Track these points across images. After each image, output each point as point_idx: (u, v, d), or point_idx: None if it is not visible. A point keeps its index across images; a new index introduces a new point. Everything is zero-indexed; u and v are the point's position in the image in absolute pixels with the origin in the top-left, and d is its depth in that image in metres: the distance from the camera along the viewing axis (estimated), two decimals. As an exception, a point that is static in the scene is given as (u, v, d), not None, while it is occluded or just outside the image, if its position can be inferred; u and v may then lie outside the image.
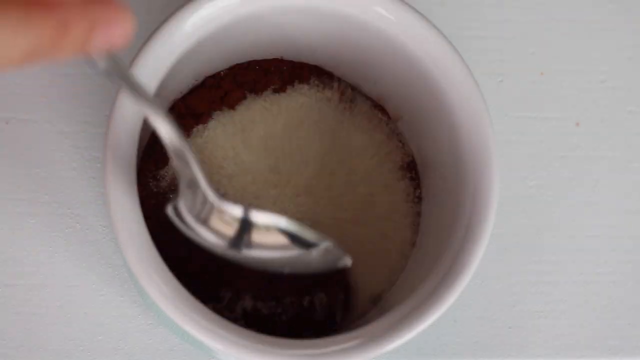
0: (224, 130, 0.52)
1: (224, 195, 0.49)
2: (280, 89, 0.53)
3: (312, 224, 0.51)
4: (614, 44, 0.58)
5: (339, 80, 0.53)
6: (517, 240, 0.56)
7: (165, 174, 0.51)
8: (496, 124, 0.48)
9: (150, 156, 0.51)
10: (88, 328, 0.53)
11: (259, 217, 0.43)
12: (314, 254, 0.44)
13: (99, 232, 0.54)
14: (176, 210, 0.43)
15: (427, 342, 0.55)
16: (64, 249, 0.54)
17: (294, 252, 0.44)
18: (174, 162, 0.41)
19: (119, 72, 0.36)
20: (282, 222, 0.44)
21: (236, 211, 0.43)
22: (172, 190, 0.51)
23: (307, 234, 0.44)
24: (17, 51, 0.29)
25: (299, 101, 0.53)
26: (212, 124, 0.52)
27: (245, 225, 0.43)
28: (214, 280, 0.50)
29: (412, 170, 0.52)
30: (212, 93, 0.52)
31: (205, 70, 0.52)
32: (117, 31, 0.32)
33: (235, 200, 0.48)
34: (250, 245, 0.44)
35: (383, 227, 0.52)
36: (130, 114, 0.44)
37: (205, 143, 0.51)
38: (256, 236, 0.44)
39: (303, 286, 0.50)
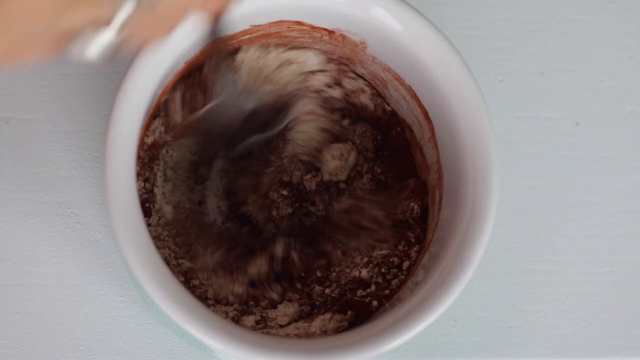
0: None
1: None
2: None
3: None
4: (614, 44, 0.58)
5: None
6: (517, 240, 0.56)
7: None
8: (496, 124, 0.48)
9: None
10: (88, 328, 0.53)
11: None
12: None
13: (99, 232, 0.54)
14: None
15: (427, 342, 0.55)
16: (64, 249, 0.54)
17: None
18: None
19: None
20: None
21: None
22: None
23: None
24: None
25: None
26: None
27: None
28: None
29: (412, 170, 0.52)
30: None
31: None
32: None
33: None
34: None
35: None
36: (130, 113, 0.44)
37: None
38: None
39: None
